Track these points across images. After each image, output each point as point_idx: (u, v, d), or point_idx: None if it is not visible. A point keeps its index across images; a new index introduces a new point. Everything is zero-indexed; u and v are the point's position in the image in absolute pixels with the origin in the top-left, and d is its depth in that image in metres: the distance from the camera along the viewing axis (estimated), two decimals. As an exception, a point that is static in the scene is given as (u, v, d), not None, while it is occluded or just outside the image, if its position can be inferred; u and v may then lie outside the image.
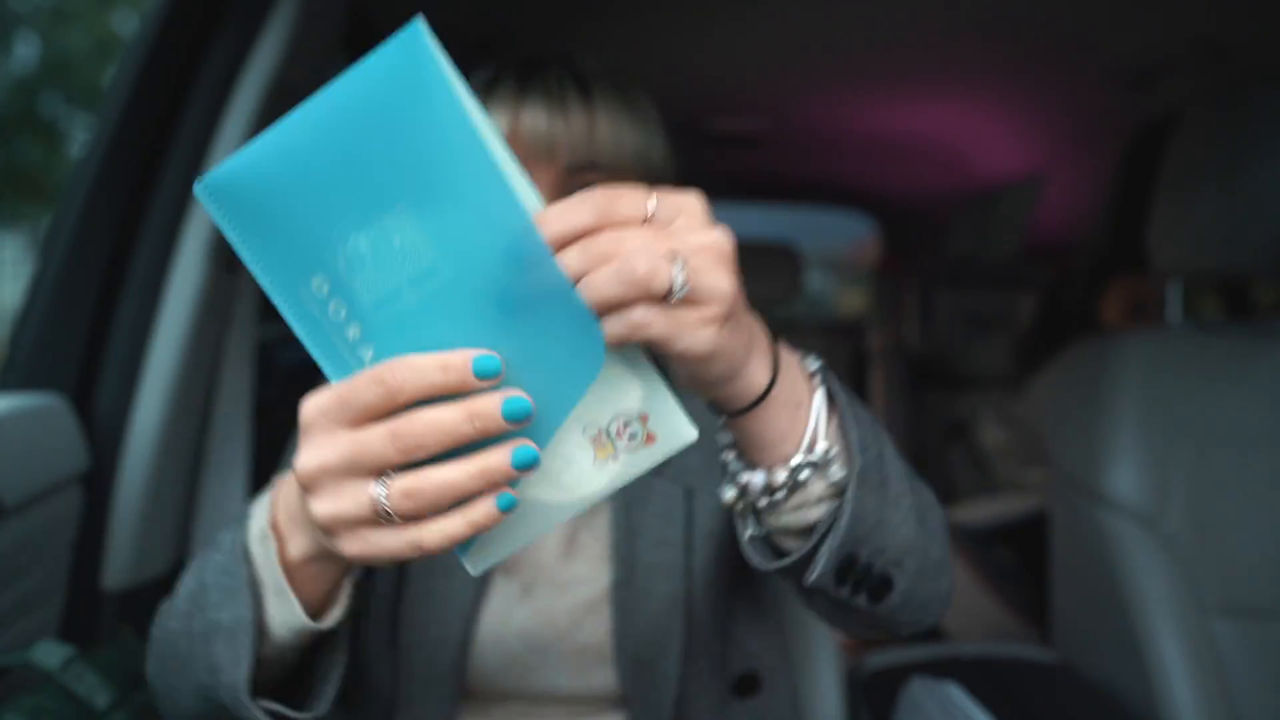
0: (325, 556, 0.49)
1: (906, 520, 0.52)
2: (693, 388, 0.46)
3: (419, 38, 0.36)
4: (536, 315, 0.39)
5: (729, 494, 0.52)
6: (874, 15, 1.72)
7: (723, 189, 3.56)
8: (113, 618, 0.99)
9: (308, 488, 0.43)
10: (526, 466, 0.40)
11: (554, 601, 0.79)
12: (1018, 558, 2.11)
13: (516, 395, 0.39)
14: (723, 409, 0.49)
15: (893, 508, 0.51)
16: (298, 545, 0.50)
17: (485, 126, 0.36)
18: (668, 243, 0.40)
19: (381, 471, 0.41)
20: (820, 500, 0.50)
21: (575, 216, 0.39)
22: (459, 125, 0.36)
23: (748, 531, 0.53)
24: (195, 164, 1.05)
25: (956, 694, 0.96)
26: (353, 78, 0.36)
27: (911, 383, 2.72)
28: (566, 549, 0.81)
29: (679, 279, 0.40)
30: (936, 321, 2.73)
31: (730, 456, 0.53)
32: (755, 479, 0.50)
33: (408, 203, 0.37)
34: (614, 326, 0.40)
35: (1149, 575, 1.14)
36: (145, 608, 1.03)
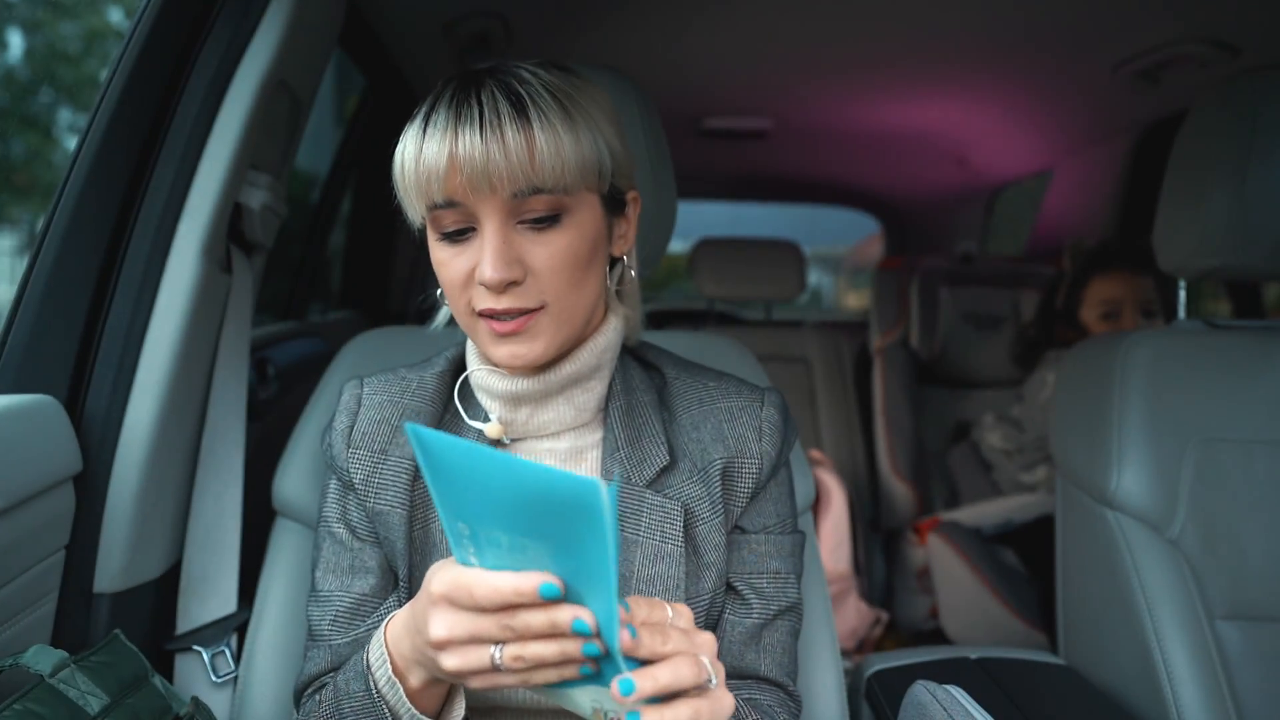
0: (437, 681, 0.66)
1: None
2: None
3: (599, 500, 0.50)
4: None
5: None
6: (878, 13, 1.71)
7: (726, 187, 3.56)
8: (107, 621, 0.98)
9: (439, 648, 0.58)
10: (591, 656, 0.55)
11: None
12: (1021, 560, 2.10)
13: (580, 618, 0.55)
14: None
15: None
16: (416, 678, 0.66)
17: (614, 548, 0.51)
18: (701, 651, 0.58)
19: (496, 641, 0.57)
20: None
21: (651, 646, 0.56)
22: (601, 544, 0.51)
23: None
24: (189, 162, 1.04)
25: (960, 696, 0.94)
26: (552, 476, 0.50)
27: (914, 382, 2.71)
28: None
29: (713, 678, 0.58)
30: (939, 321, 2.71)
31: None
32: None
33: (549, 547, 0.54)
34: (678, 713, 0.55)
35: (1155, 578, 1.13)
36: (139, 610, 1.02)
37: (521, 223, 0.74)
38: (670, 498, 0.80)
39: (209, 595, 1.07)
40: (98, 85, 1.03)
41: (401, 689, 0.66)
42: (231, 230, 1.15)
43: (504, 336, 0.76)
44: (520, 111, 0.71)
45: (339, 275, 2.46)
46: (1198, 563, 1.13)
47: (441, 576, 0.58)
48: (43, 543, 0.90)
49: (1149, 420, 1.16)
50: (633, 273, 0.86)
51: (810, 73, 2.12)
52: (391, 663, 0.67)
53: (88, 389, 0.98)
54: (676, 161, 1.07)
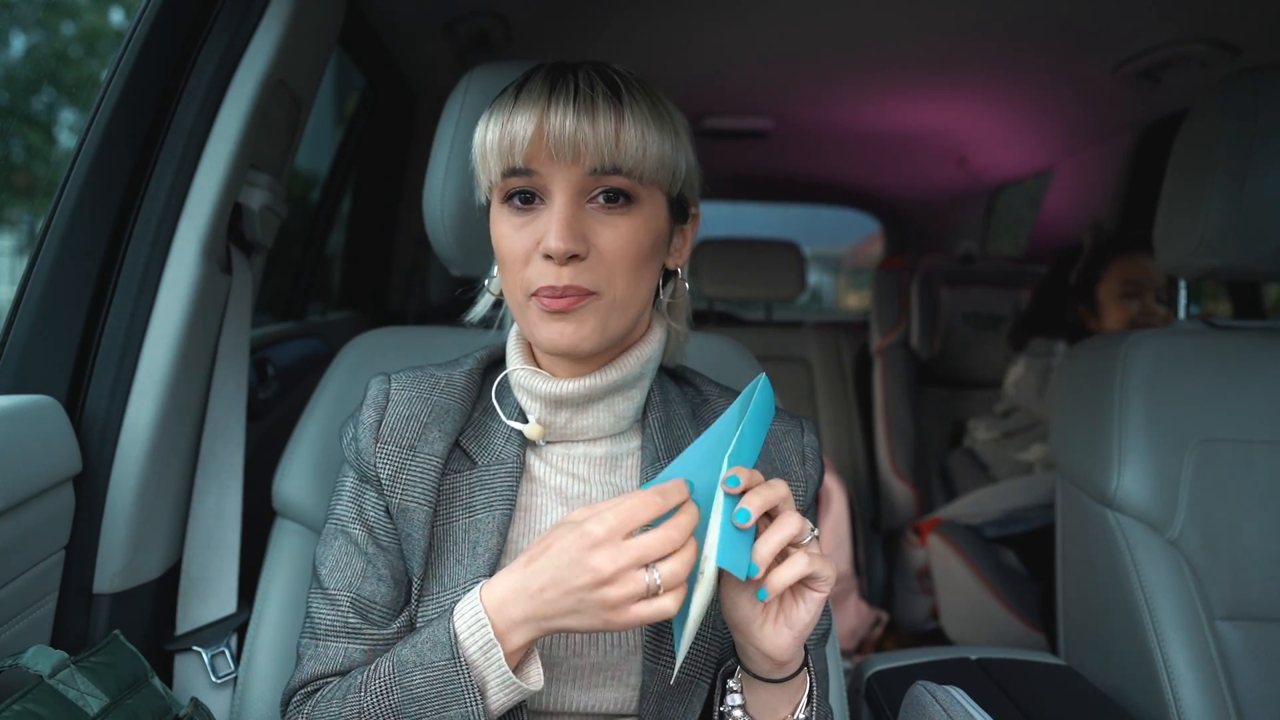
0: (530, 640, 0.69)
1: None
2: (775, 649, 0.70)
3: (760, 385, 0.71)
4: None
5: None
6: (878, 13, 1.71)
7: (726, 187, 3.55)
8: (106, 621, 0.98)
9: (607, 582, 0.63)
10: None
11: None
12: (1021, 560, 2.10)
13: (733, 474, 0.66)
14: (762, 675, 0.72)
15: None
16: (519, 638, 0.68)
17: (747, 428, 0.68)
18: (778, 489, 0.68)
19: (650, 564, 0.63)
20: None
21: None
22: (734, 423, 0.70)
23: None
24: (189, 162, 1.04)
25: (960, 697, 0.94)
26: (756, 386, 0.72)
27: (914, 382, 2.71)
28: None
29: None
30: (939, 321, 2.71)
31: (737, 715, 0.75)
32: None
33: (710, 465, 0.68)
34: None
35: (1155, 578, 1.13)
36: (139, 611, 1.02)
37: (591, 202, 0.75)
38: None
39: (209, 595, 1.07)
40: (98, 85, 1.03)
41: (501, 652, 0.68)
42: (231, 230, 1.14)
43: (554, 315, 0.75)
44: (614, 93, 0.74)
45: (339, 275, 2.46)
46: (1198, 563, 1.13)
47: (600, 518, 0.64)
48: (43, 543, 0.90)
49: (1149, 420, 1.16)
50: (686, 285, 0.88)
51: (811, 73, 2.12)
52: (494, 628, 0.68)
53: (88, 389, 0.98)
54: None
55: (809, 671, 0.75)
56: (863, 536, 2.44)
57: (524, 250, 0.75)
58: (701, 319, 3.01)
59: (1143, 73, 1.87)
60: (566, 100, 0.73)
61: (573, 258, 0.74)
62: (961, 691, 0.94)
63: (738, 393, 0.94)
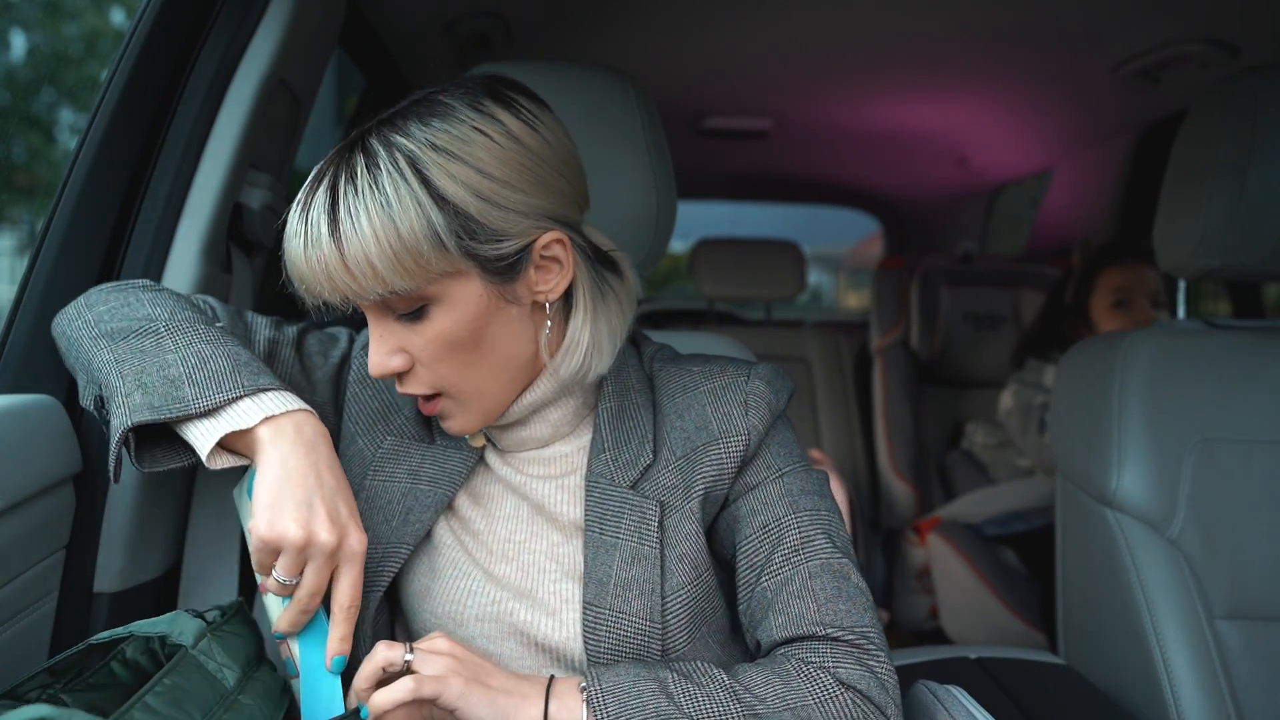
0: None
1: None
2: None
3: None
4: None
5: None
6: (878, 13, 1.71)
7: (726, 187, 3.56)
8: (106, 621, 0.98)
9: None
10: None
11: (517, 584, 0.80)
12: (1022, 560, 2.10)
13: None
14: None
15: None
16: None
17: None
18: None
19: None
20: None
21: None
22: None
23: None
24: (189, 162, 1.04)
25: (961, 696, 0.94)
26: None
27: (914, 382, 2.71)
28: (527, 543, 0.82)
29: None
30: (939, 321, 2.71)
31: None
32: None
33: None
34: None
35: (1155, 578, 1.13)
36: (139, 610, 1.02)
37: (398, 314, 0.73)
38: (649, 496, 0.79)
39: (209, 596, 1.07)
40: (98, 86, 1.03)
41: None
42: (231, 230, 1.14)
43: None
44: (333, 224, 0.68)
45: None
46: (1198, 562, 1.13)
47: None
48: (43, 543, 0.90)
49: (1149, 420, 1.16)
50: (585, 315, 0.78)
51: (810, 73, 2.12)
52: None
53: (88, 389, 0.98)
54: (676, 161, 1.07)
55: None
56: (863, 536, 2.44)
57: None
58: (701, 318, 3.01)
59: (1143, 73, 1.88)
60: (299, 243, 0.69)
61: (397, 372, 0.75)
62: (963, 690, 0.94)
63: (689, 356, 0.87)
